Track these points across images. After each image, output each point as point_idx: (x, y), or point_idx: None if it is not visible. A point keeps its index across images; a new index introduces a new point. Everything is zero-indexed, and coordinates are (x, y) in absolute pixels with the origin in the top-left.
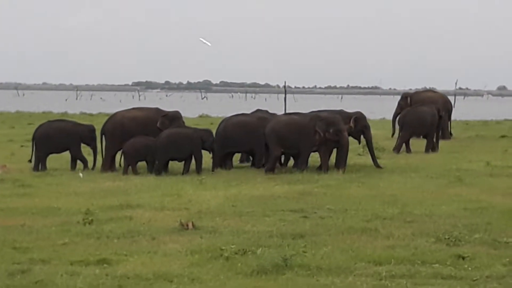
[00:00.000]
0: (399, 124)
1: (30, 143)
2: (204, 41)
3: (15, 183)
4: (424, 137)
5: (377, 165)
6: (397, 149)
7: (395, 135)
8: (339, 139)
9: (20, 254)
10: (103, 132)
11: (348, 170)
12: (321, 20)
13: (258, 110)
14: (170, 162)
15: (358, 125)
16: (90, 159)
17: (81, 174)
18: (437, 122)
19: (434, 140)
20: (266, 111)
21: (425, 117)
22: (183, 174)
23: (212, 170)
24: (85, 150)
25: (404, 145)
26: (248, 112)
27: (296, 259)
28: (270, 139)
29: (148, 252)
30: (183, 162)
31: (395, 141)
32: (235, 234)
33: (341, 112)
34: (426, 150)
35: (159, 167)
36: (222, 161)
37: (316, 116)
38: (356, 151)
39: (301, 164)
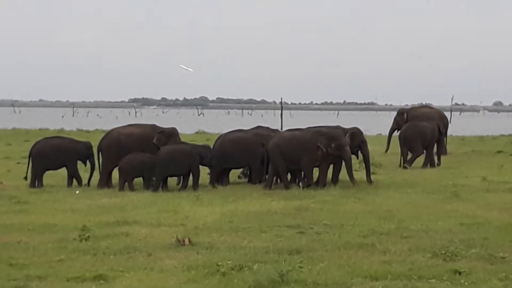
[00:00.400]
0: (400, 139)
1: (27, 160)
2: (186, 68)
3: (11, 199)
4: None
5: (369, 181)
6: (409, 163)
7: (389, 150)
8: (341, 154)
9: (16, 270)
10: (99, 149)
11: (344, 185)
12: (318, 38)
13: (258, 127)
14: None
15: (355, 141)
16: (87, 176)
17: (78, 191)
18: (437, 137)
19: (435, 155)
20: (267, 128)
21: (425, 132)
22: (180, 190)
23: (213, 186)
24: (82, 166)
25: (403, 158)
26: (248, 128)
27: (292, 274)
28: (274, 155)
29: (144, 268)
30: (181, 177)
31: (395, 156)
32: (231, 250)
33: (337, 128)
34: (424, 165)
35: (156, 184)
36: (219, 177)
37: (318, 132)
38: (352, 166)
39: (308, 180)
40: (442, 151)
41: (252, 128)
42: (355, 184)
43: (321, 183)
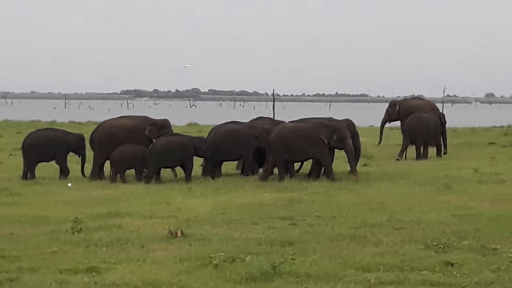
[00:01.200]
0: (405, 132)
1: (19, 152)
2: (186, 66)
3: (3, 191)
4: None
5: (353, 172)
6: (419, 156)
7: (382, 142)
8: (343, 147)
9: (8, 263)
10: (91, 141)
11: (336, 177)
12: (309, 28)
13: (259, 118)
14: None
15: None
16: (78, 167)
17: (70, 183)
18: (440, 129)
19: (438, 146)
20: (270, 119)
21: (430, 125)
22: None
23: (212, 178)
24: (74, 158)
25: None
26: (248, 119)
27: (285, 266)
28: (275, 146)
29: (137, 260)
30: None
31: (387, 148)
32: (224, 241)
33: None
34: (421, 158)
35: (149, 175)
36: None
37: (320, 123)
38: (344, 158)
39: (328, 173)
40: (445, 141)
41: (254, 119)
42: (356, 177)
43: (314, 175)
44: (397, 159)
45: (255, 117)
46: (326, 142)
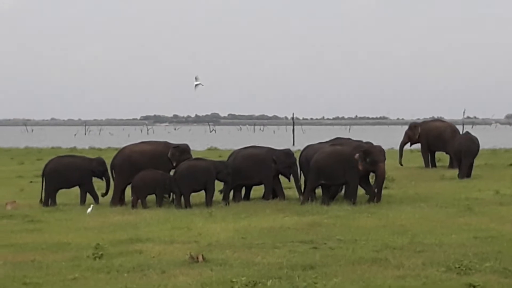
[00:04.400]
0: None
1: (40, 179)
2: (197, 83)
3: (24, 218)
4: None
5: (378, 197)
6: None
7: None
8: (375, 170)
9: None
10: (112, 167)
11: (357, 200)
12: (328, 52)
13: (337, 138)
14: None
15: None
16: (99, 192)
17: (89, 210)
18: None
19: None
20: (349, 139)
21: (477, 144)
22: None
23: (226, 203)
24: (98, 184)
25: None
26: (322, 140)
27: None
28: (312, 171)
29: (158, 285)
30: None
31: (407, 170)
32: (245, 266)
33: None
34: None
35: (177, 199)
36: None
37: (358, 146)
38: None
39: (351, 196)
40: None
41: (332, 139)
42: (379, 202)
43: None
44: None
45: (333, 137)
46: (359, 165)
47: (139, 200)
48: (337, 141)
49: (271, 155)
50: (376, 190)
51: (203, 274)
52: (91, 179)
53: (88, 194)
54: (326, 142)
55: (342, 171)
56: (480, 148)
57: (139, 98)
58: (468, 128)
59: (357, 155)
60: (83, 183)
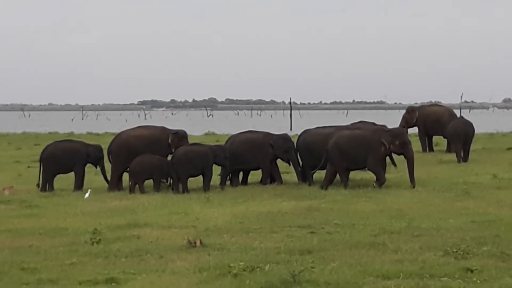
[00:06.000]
0: (460, 136)
1: (37, 164)
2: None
3: (22, 204)
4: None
5: (412, 180)
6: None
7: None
8: (404, 152)
9: (28, 274)
10: (109, 152)
11: (355, 185)
12: (325, 37)
13: (361, 122)
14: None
15: None
16: (97, 178)
17: (87, 195)
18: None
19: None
20: (373, 123)
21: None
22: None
23: (221, 188)
24: (92, 170)
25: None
26: (319, 125)
27: (304, 274)
28: (333, 155)
29: (156, 270)
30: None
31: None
32: (243, 250)
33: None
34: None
35: (175, 184)
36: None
37: (381, 129)
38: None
39: (379, 180)
40: (450, 148)
41: (355, 123)
42: (414, 186)
43: (380, 181)
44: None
45: (356, 121)
46: (387, 147)
47: (137, 185)
48: (359, 124)
49: (269, 140)
50: (408, 173)
51: (201, 259)
52: (84, 164)
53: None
54: (350, 125)
55: (365, 155)
56: (478, 132)
57: (136, 83)
58: (465, 112)
59: (385, 138)
60: (75, 167)
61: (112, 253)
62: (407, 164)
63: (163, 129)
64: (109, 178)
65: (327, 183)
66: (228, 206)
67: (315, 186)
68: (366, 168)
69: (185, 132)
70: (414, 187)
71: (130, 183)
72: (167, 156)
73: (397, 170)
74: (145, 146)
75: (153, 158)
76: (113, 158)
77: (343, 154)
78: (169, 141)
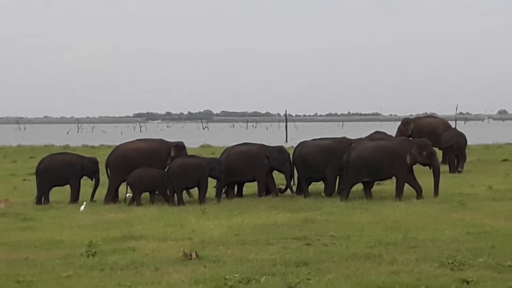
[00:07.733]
0: (444, 148)
1: (33, 177)
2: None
3: (17, 216)
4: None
5: (436, 191)
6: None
7: None
8: (431, 163)
9: (24, 287)
10: (107, 164)
11: (350, 196)
12: (320, 49)
13: (376, 132)
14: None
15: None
16: (91, 191)
17: (82, 207)
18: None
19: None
20: (385, 133)
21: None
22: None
23: (218, 200)
24: (88, 182)
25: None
26: (315, 137)
27: (300, 286)
28: (355, 166)
29: (152, 283)
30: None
31: None
32: (238, 263)
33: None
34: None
35: (171, 197)
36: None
37: (407, 140)
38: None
39: (398, 192)
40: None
41: (370, 134)
42: (437, 195)
43: (399, 194)
44: (460, 171)
45: (372, 131)
46: (415, 158)
47: (134, 197)
48: (375, 135)
49: (264, 152)
50: (434, 182)
51: (197, 271)
52: (80, 177)
53: (83, 194)
54: (365, 137)
55: (391, 166)
56: (473, 143)
57: (131, 95)
58: (460, 124)
59: (413, 149)
60: (70, 179)
61: (108, 265)
62: (433, 174)
63: (161, 141)
64: (105, 191)
65: (346, 193)
66: (224, 218)
67: (310, 198)
68: (388, 179)
69: (183, 144)
70: (437, 195)
71: (126, 195)
72: (164, 168)
73: (392, 182)
74: (143, 159)
75: (153, 171)
76: (111, 170)
77: (366, 166)
78: (172, 154)
